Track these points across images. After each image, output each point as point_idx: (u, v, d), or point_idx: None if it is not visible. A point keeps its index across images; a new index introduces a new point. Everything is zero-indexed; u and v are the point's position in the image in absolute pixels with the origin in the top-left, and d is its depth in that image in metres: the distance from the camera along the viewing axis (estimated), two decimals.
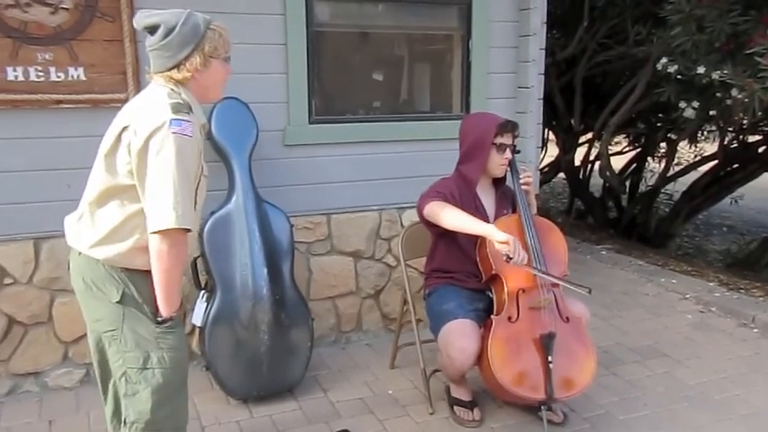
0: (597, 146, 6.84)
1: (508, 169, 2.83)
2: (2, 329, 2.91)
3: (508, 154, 2.78)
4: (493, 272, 2.71)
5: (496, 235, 2.49)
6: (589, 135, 6.93)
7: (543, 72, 3.69)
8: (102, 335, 1.91)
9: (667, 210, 7.04)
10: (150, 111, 1.76)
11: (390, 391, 3.10)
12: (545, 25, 3.62)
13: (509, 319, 2.63)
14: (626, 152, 7.53)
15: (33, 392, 3.01)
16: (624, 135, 7.20)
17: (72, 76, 2.81)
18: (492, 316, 2.66)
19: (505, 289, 2.67)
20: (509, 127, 2.76)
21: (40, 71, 2.76)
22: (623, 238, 6.47)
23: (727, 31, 4.23)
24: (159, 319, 1.85)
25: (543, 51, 3.66)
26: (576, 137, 6.83)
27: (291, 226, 3.08)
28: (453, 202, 2.70)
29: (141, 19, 1.84)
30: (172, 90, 1.83)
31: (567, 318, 2.70)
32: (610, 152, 6.37)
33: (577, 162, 7.24)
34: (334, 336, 3.59)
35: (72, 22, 2.77)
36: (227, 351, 2.89)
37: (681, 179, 6.80)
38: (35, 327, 2.97)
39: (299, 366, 3.04)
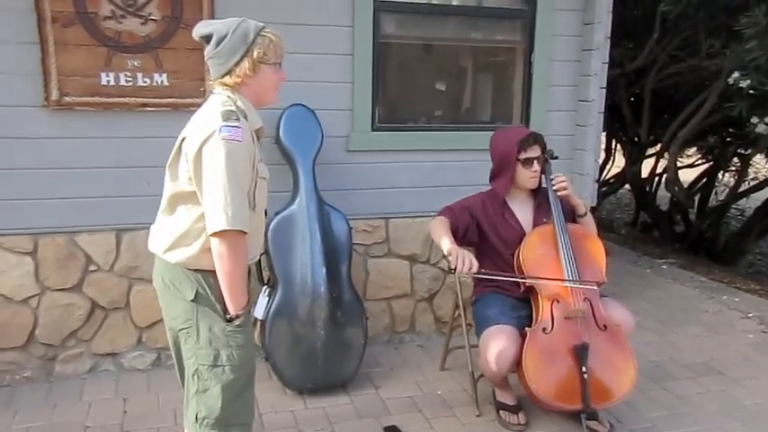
0: (665, 158, 6.72)
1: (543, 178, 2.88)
2: (86, 312, 3.19)
3: (536, 167, 2.82)
4: (526, 283, 2.77)
5: (443, 248, 2.68)
6: (657, 147, 6.79)
7: (605, 86, 3.70)
8: (178, 332, 2.01)
9: (738, 226, 6.80)
10: (203, 120, 1.87)
11: (439, 392, 3.20)
12: (608, 40, 3.64)
13: (543, 330, 2.67)
14: (697, 165, 7.33)
15: (111, 372, 3.28)
16: (696, 148, 7.01)
17: (156, 82, 3.05)
18: (527, 328, 2.71)
19: (540, 299, 2.73)
20: (531, 141, 2.80)
21: (129, 77, 3.01)
22: (690, 254, 6.32)
23: None
24: (228, 317, 1.94)
25: (606, 65, 3.67)
26: (644, 149, 6.71)
27: (351, 228, 3.23)
28: (470, 216, 2.86)
29: (198, 29, 1.95)
30: (228, 98, 1.92)
31: (605, 326, 2.71)
32: (680, 165, 6.23)
33: (644, 174, 7.10)
34: (388, 336, 3.72)
35: (159, 32, 3.02)
36: (286, 344, 3.06)
37: (754, 195, 6.57)
38: (114, 311, 3.24)
39: (353, 362, 3.19)
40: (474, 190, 3.61)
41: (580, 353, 2.58)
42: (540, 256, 2.71)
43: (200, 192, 1.87)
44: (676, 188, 6.05)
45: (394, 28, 3.51)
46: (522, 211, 2.91)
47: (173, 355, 2.12)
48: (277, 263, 3.08)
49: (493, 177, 2.93)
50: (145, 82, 3.04)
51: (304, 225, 3.11)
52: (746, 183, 6.61)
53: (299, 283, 3.06)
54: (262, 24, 1.94)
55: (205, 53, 1.96)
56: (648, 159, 6.96)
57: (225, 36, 1.90)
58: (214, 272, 1.91)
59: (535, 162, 2.81)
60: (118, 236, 3.18)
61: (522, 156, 2.79)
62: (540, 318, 2.69)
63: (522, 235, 2.84)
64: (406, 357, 3.58)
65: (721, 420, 2.96)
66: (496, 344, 2.66)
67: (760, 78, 4.36)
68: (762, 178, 6.66)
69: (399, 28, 3.55)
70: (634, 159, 6.75)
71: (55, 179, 3.04)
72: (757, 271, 6.56)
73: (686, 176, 6.98)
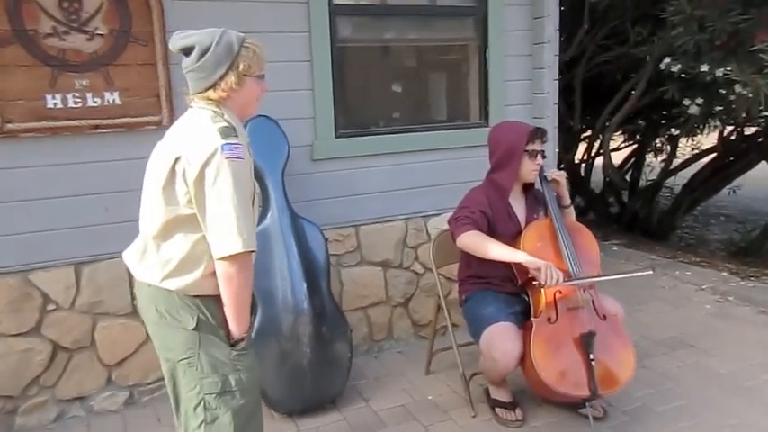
0: (596, 144, 6.98)
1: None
2: (48, 356, 2.93)
3: (539, 160, 2.86)
4: (529, 275, 2.78)
5: (529, 263, 2.59)
6: (588, 133, 7.05)
7: (557, 78, 3.78)
8: (176, 364, 1.90)
9: (668, 203, 7.17)
10: (200, 138, 1.76)
11: (430, 397, 3.16)
12: (557, 32, 3.72)
13: (548, 320, 2.70)
14: (622, 148, 7.67)
15: (80, 417, 3.03)
16: (620, 132, 7.33)
17: (108, 101, 2.85)
18: (532, 318, 2.73)
19: (543, 291, 2.74)
20: (539, 134, 2.85)
21: (78, 97, 2.79)
22: (627, 233, 6.60)
23: (727, 29, 4.37)
24: (232, 341, 1.87)
25: (557, 57, 3.75)
26: (576, 136, 6.94)
27: (326, 240, 3.14)
28: (485, 217, 2.78)
29: (176, 40, 1.85)
30: (214, 113, 1.82)
31: (604, 315, 2.77)
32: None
33: (576, 159, 7.35)
34: (367, 345, 3.65)
35: (107, 48, 2.81)
36: (271, 365, 2.92)
37: (681, 173, 6.93)
38: (79, 352, 2.99)
39: (341, 377, 3.09)
40: (443, 189, 3.63)
41: (587, 341, 2.61)
42: (540, 249, 2.72)
43: (201, 214, 1.77)
44: (611, 170, 6.29)
45: (351, 31, 3.45)
46: (518, 206, 2.92)
47: (168, 389, 2.00)
48: (255, 281, 2.88)
49: (495, 170, 2.90)
50: (95, 102, 2.83)
51: (279, 240, 2.99)
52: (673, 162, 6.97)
53: (280, 300, 2.93)
54: (243, 35, 1.86)
55: (184, 66, 1.84)
56: (581, 144, 7.22)
57: (208, 48, 1.79)
58: (215, 296, 1.84)
59: (539, 155, 2.83)
60: (77, 270, 2.94)
61: (530, 147, 2.80)
62: (541, 309, 2.70)
63: (518, 230, 2.84)
64: (388, 365, 3.52)
65: (704, 391, 3.09)
66: (502, 342, 2.65)
67: (689, 63, 4.59)
68: (681, 157, 7.06)
69: (356, 31, 3.49)
70: (568, 147, 6.97)
71: (2, 214, 2.78)
72: (688, 243, 6.92)
73: (614, 160, 7.27)
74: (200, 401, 1.87)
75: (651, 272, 2.62)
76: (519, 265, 2.76)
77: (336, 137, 3.40)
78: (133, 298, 3.05)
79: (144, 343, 3.06)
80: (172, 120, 2.93)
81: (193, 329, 1.85)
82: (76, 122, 2.80)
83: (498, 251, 2.68)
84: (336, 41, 3.31)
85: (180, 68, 2.86)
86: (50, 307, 2.92)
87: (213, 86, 1.83)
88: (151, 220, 1.86)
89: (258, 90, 1.93)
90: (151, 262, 1.88)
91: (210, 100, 1.85)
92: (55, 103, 2.76)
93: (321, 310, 3.00)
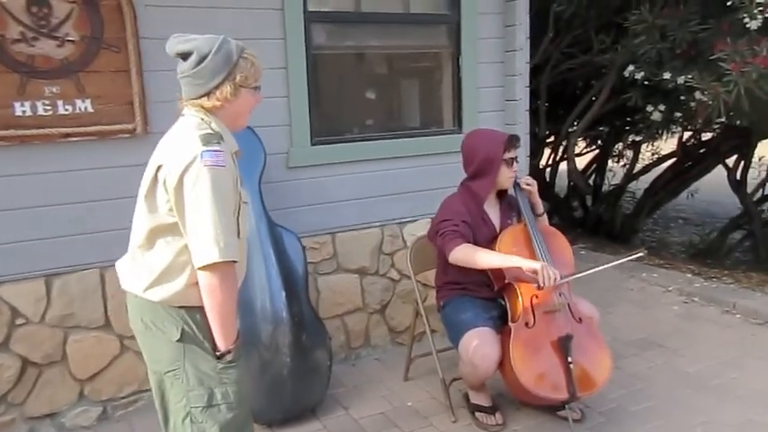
0: (561, 149, 7.13)
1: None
2: (16, 372, 2.82)
3: (515, 167, 2.90)
4: (506, 281, 2.82)
5: (525, 266, 2.60)
6: (552, 139, 7.18)
7: (529, 85, 3.85)
8: (163, 375, 1.87)
9: (630, 207, 7.35)
10: (181, 145, 1.74)
11: (409, 403, 3.16)
12: (528, 40, 3.78)
13: (526, 324, 2.73)
14: (585, 154, 7.84)
15: None
16: (583, 138, 7.50)
17: (79, 109, 2.77)
18: (509, 323, 2.76)
19: (519, 296, 2.78)
20: (514, 142, 2.89)
21: (48, 105, 2.71)
22: (591, 237, 6.74)
23: (687, 38, 4.52)
24: (218, 353, 1.83)
25: (528, 65, 3.81)
26: (541, 142, 7.07)
27: (304, 248, 3.12)
28: (468, 227, 2.80)
29: (174, 44, 1.82)
30: (202, 120, 1.81)
31: (580, 318, 2.82)
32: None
33: (541, 165, 7.48)
34: (345, 353, 3.63)
35: (78, 55, 2.74)
36: (251, 375, 2.88)
37: (640, 177, 7.12)
38: (49, 367, 2.90)
39: (321, 386, 3.07)
40: (418, 195, 3.64)
41: (564, 344, 2.65)
42: (515, 254, 2.75)
43: (182, 223, 1.74)
44: (575, 176, 6.42)
45: (326, 38, 3.44)
46: (493, 212, 2.95)
47: (156, 403, 1.97)
48: None
49: (472, 178, 2.92)
50: (66, 110, 2.75)
51: (257, 249, 2.96)
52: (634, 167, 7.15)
53: (259, 309, 2.90)
54: (242, 44, 1.85)
55: (179, 71, 1.81)
56: (546, 148, 7.35)
57: (207, 55, 1.77)
58: (200, 307, 1.80)
59: (514, 162, 2.87)
60: (47, 282, 2.85)
61: (507, 155, 2.84)
62: (519, 313, 2.73)
63: (494, 235, 2.87)
64: (366, 373, 3.51)
65: (674, 390, 3.17)
66: (482, 347, 2.67)
67: (651, 70, 4.72)
68: (642, 162, 7.25)
69: (331, 38, 3.49)
70: (533, 152, 7.08)
71: None
72: (649, 246, 7.11)
73: (577, 165, 7.42)
74: (187, 414, 1.84)
75: (643, 253, 2.67)
76: (496, 270, 2.80)
77: (312, 144, 3.38)
78: (106, 310, 2.98)
79: (118, 356, 3.00)
80: (146, 128, 2.89)
81: (178, 341, 1.82)
82: (47, 130, 2.72)
83: (492, 260, 2.71)
84: (312, 48, 3.30)
85: (156, 75, 2.89)
86: (19, 321, 2.82)
87: (208, 94, 1.81)
88: (137, 229, 1.84)
89: (252, 101, 1.92)
90: (136, 272, 1.85)
91: (203, 107, 1.82)
92: (24, 111, 2.67)
93: (300, 319, 2.98)
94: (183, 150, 1.73)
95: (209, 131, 1.77)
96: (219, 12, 3.04)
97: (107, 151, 2.86)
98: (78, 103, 2.77)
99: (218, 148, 1.74)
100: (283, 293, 2.93)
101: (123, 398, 3.05)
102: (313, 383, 3.03)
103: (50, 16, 2.69)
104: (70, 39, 2.72)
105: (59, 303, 2.88)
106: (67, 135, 2.77)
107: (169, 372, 1.85)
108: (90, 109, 2.80)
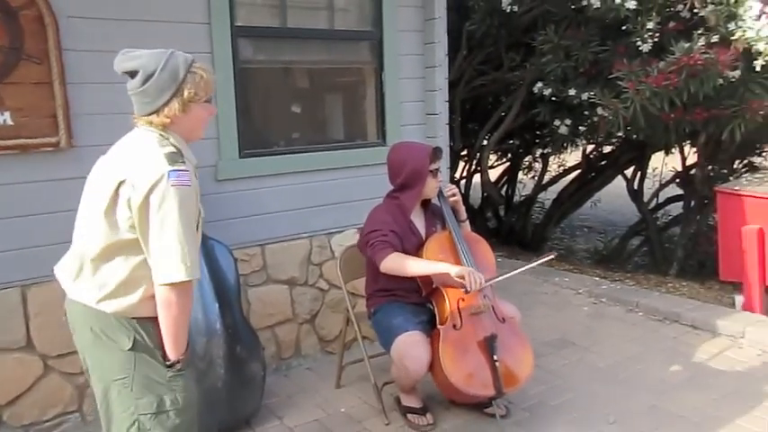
0: (474, 162, 7.43)
1: None
2: None
3: (440, 177, 3.05)
4: (433, 286, 2.96)
5: (452, 272, 2.74)
6: (465, 152, 7.48)
7: (448, 99, 4.04)
8: (111, 383, 1.86)
9: (540, 217, 7.76)
10: (146, 164, 1.75)
11: (343, 409, 3.23)
12: (447, 57, 3.98)
13: (454, 326, 2.87)
14: (496, 166, 8.21)
15: None
16: (494, 151, 7.85)
17: None
18: (438, 326, 2.89)
19: (446, 300, 2.92)
20: (438, 153, 3.03)
21: None
22: (505, 245, 7.06)
23: (589, 58, 4.90)
24: (168, 362, 1.86)
25: (447, 80, 4.01)
26: (456, 154, 7.34)
27: (236, 260, 3.13)
28: (397, 237, 2.90)
29: (120, 62, 1.82)
30: (161, 136, 1.82)
31: (504, 318, 3.00)
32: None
33: (456, 177, 7.76)
34: (276, 363, 3.64)
35: None
36: None
37: (548, 188, 7.54)
38: None
39: (256, 397, 3.08)
40: (345, 207, 3.73)
41: (490, 343, 2.81)
42: (442, 261, 2.88)
43: (144, 240, 1.76)
44: (489, 188, 6.73)
45: (253, 53, 3.48)
46: (418, 220, 3.08)
47: (101, 412, 1.95)
48: None
49: (399, 190, 3.02)
50: None
51: None
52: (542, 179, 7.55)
53: (192, 321, 2.84)
54: (191, 57, 1.85)
55: (128, 88, 1.82)
56: (459, 162, 7.64)
57: (152, 74, 1.78)
58: (152, 318, 1.83)
59: (438, 173, 3.00)
60: None
61: (432, 166, 2.96)
62: (446, 316, 2.87)
63: (420, 243, 2.99)
64: (298, 382, 3.54)
65: (588, 384, 3.41)
66: (413, 350, 2.78)
67: (558, 87, 5.07)
68: (555, 173, 7.69)
69: (259, 53, 3.53)
70: (450, 165, 7.35)
71: None
72: (558, 253, 7.52)
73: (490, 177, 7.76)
74: (134, 422, 1.85)
75: (553, 256, 2.89)
76: (424, 276, 2.93)
77: (241, 157, 3.41)
78: (28, 330, 2.87)
79: (41, 377, 2.89)
80: (71, 141, 2.83)
81: (129, 350, 1.83)
82: None
83: (421, 267, 2.83)
84: (239, 62, 3.33)
85: (80, 88, 2.85)
86: None
87: (156, 112, 1.82)
88: (90, 242, 1.82)
89: (205, 114, 1.93)
90: (87, 284, 1.84)
91: (153, 124, 1.83)
92: None
93: (234, 330, 2.99)
94: (149, 169, 1.73)
95: (173, 150, 1.79)
96: (147, 24, 3.02)
97: (29, 165, 2.77)
98: None
99: (183, 168, 1.76)
100: (216, 305, 2.94)
101: (47, 421, 2.94)
102: (248, 394, 3.04)
103: None
104: None
105: None
106: None
107: (117, 380, 1.85)
108: (10, 122, 2.70)
